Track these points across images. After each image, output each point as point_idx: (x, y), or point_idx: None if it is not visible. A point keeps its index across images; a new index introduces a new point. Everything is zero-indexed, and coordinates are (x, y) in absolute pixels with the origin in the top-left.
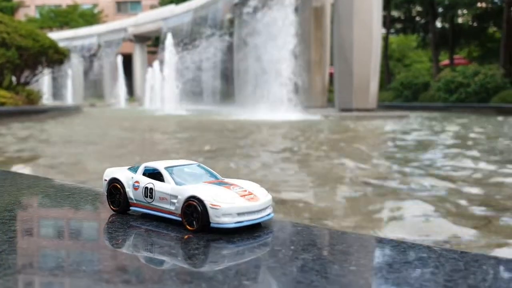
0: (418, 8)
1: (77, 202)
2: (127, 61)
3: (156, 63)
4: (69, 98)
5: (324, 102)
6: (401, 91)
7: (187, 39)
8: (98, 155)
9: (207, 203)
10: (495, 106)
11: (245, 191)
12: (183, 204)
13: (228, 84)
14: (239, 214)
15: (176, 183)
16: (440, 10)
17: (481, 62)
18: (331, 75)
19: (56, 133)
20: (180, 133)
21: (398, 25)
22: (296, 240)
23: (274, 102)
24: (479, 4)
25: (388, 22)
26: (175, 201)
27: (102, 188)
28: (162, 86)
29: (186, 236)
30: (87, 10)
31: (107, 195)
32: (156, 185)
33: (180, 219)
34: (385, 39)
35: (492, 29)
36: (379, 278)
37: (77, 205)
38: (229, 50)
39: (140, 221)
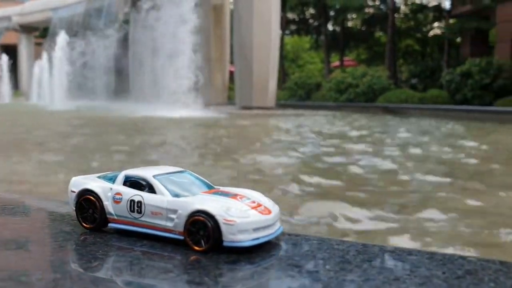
0: (312, 11)
1: (22, 218)
2: (12, 52)
3: (44, 56)
4: None
5: (225, 100)
6: (296, 91)
7: (79, 31)
8: None
9: (220, 218)
10: (381, 105)
11: (254, 202)
12: (187, 220)
13: (123, 79)
14: (254, 230)
15: (172, 195)
16: (331, 13)
17: (368, 64)
18: (231, 72)
19: None
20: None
21: (293, 27)
22: (325, 257)
23: (172, 99)
24: (367, 10)
25: (283, 23)
26: (173, 216)
27: (69, 200)
28: (51, 80)
29: (192, 257)
30: None
31: (75, 210)
32: (146, 197)
33: (180, 237)
34: (281, 40)
35: (378, 33)
36: None
37: (27, 222)
38: (124, 44)
39: (126, 241)
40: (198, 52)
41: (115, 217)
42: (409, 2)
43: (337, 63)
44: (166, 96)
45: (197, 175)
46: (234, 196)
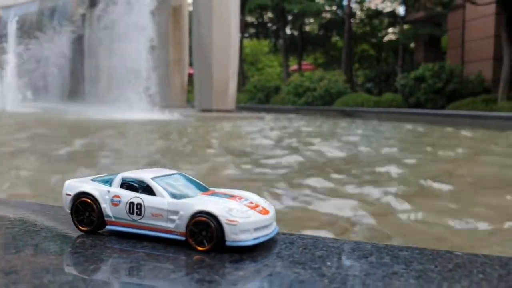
0: (270, 15)
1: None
2: None
3: None
4: None
5: (183, 102)
6: (255, 94)
7: (32, 31)
8: None
9: (223, 218)
10: (338, 109)
11: (252, 203)
12: (189, 221)
13: (78, 81)
14: (255, 229)
15: (171, 197)
16: (290, 18)
17: (325, 68)
18: (190, 75)
19: None
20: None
21: (252, 30)
22: (323, 254)
23: (128, 101)
24: (324, 15)
25: (242, 26)
26: (174, 217)
27: (64, 203)
28: (2, 82)
29: (197, 257)
30: None
31: (71, 213)
32: (146, 199)
33: (182, 238)
34: (240, 43)
35: (335, 38)
36: None
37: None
38: (80, 45)
39: (125, 243)
40: (156, 54)
41: (113, 219)
42: (364, 8)
43: (295, 66)
44: (122, 99)
45: (190, 177)
46: (232, 197)
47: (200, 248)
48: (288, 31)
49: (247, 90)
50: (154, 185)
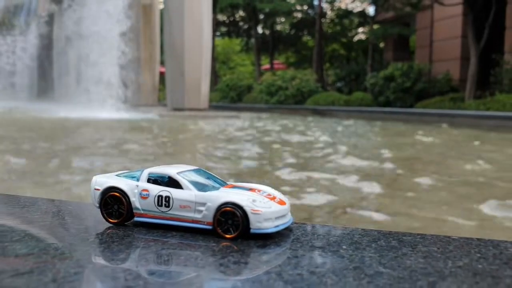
0: (242, 14)
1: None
2: None
3: None
4: None
5: (155, 101)
6: (227, 92)
7: None
8: None
9: (248, 208)
10: (310, 107)
11: (270, 195)
12: (216, 211)
13: (47, 79)
14: (276, 218)
15: (197, 190)
16: (261, 17)
17: (297, 67)
18: (161, 73)
19: None
20: None
21: (223, 29)
22: (337, 240)
23: (98, 100)
24: (295, 14)
25: (213, 25)
26: (202, 208)
27: (92, 198)
28: None
29: (226, 243)
30: None
31: (100, 207)
32: (174, 192)
33: (208, 227)
34: (211, 41)
35: (306, 37)
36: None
37: (54, 221)
38: (49, 42)
39: (156, 233)
40: (126, 52)
41: (142, 212)
42: (335, 8)
43: (267, 65)
44: (92, 98)
45: (210, 172)
46: (251, 190)
47: (227, 236)
48: (259, 30)
49: (219, 89)
50: (180, 179)
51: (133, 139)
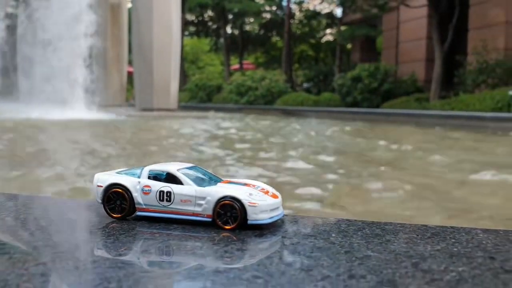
0: (211, 13)
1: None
2: None
3: None
4: None
5: (123, 101)
6: (196, 92)
7: None
8: None
9: (245, 201)
10: (280, 108)
11: (264, 189)
12: (216, 205)
13: (10, 78)
14: (271, 210)
15: (196, 185)
16: (230, 17)
17: (266, 67)
18: (129, 73)
19: None
20: None
21: (192, 28)
22: (326, 229)
23: (64, 100)
24: (264, 15)
25: (182, 24)
26: (202, 202)
27: (95, 194)
28: None
29: (226, 234)
30: None
31: (103, 202)
32: (175, 188)
33: (208, 219)
34: (181, 40)
35: (275, 38)
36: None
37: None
38: (13, 40)
39: (158, 227)
40: (93, 51)
41: (144, 206)
42: (303, 9)
43: (236, 65)
44: (58, 97)
45: (205, 169)
46: (246, 185)
47: (227, 227)
48: (229, 30)
49: (188, 89)
50: (180, 175)
51: (90, 141)
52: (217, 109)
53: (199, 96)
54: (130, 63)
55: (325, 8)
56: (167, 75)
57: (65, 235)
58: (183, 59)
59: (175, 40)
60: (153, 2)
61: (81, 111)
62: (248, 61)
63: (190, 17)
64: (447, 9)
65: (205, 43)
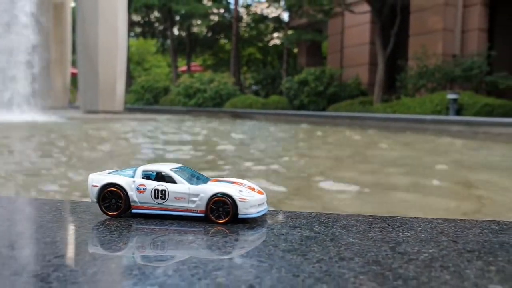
0: (157, 14)
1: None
2: None
3: None
4: None
5: (66, 103)
6: (143, 94)
7: None
8: None
9: (236, 197)
10: (229, 110)
11: (250, 187)
12: (209, 201)
13: None
14: (258, 205)
15: (189, 183)
16: (177, 18)
17: (214, 70)
18: (73, 75)
19: None
20: None
21: (138, 29)
22: (307, 221)
23: (3, 102)
24: (212, 17)
25: (128, 25)
26: (195, 199)
27: (90, 194)
28: None
29: (220, 228)
30: None
31: (98, 201)
32: (169, 186)
33: (201, 215)
34: (127, 41)
35: (223, 40)
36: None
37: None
38: None
39: (153, 223)
40: (35, 52)
41: (139, 204)
42: (251, 12)
43: (184, 67)
44: None
45: (193, 169)
46: (234, 182)
47: (219, 221)
48: (176, 31)
49: (133, 90)
50: (173, 175)
51: (23, 145)
52: (165, 112)
53: (145, 98)
54: (74, 64)
55: (272, 12)
56: (113, 76)
57: (69, 234)
58: (128, 60)
59: (121, 40)
60: (99, 1)
61: (21, 113)
62: (196, 63)
63: (136, 17)
64: (389, 16)
65: (152, 44)
